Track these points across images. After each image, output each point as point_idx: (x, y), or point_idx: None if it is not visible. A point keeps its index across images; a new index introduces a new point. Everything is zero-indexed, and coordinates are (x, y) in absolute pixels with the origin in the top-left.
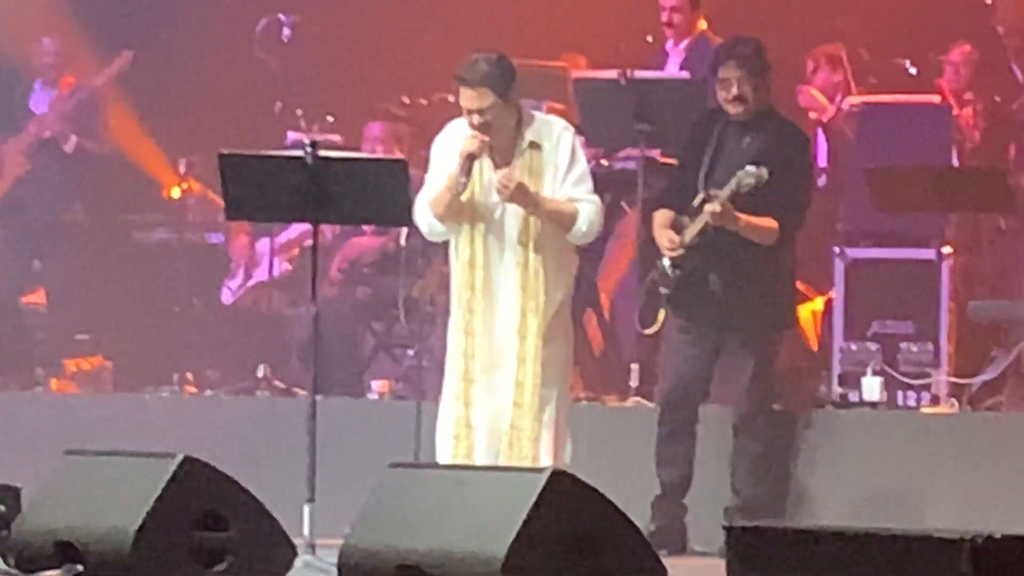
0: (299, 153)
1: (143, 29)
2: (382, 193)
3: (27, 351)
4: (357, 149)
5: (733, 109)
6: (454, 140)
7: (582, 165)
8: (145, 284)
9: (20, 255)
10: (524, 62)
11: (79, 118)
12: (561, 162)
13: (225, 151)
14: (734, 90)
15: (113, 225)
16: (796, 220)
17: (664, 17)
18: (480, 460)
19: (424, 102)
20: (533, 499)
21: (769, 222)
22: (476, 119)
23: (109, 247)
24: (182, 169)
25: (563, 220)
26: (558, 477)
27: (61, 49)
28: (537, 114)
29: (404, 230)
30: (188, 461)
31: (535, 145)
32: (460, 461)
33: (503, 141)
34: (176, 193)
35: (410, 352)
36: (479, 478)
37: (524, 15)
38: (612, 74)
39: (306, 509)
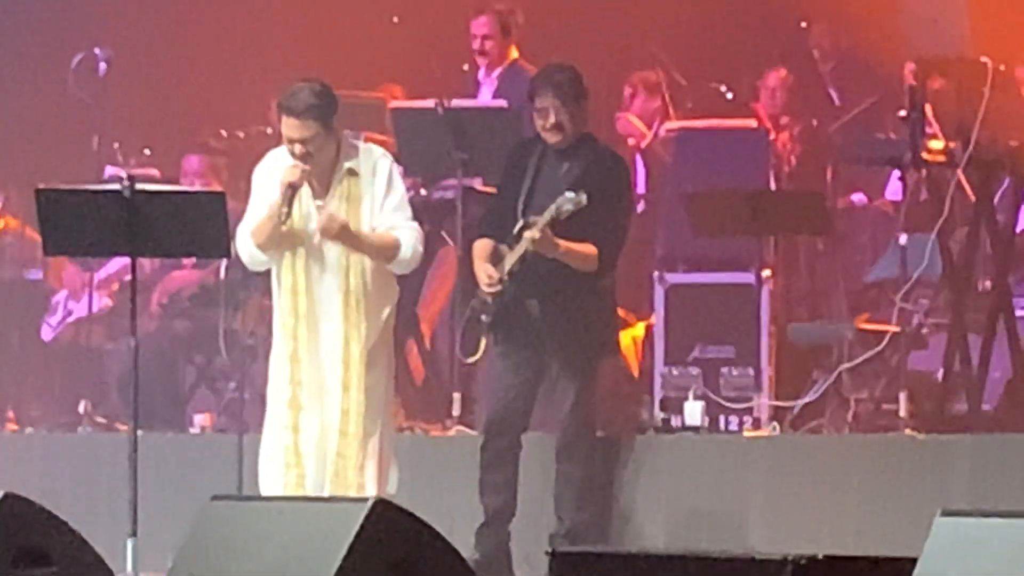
0: (116, 187)
1: None
2: (200, 226)
3: None
4: (175, 182)
5: (551, 137)
6: (275, 169)
7: (400, 192)
8: None
9: None
10: (342, 93)
11: None
12: (379, 190)
13: (41, 186)
14: (552, 118)
15: None
16: (615, 246)
17: (476, 45)
18: (310, 488)
19: (241, 135)
20: (356, 529)
21: (588, 248)
22: (298, 149)
23: None
24: None
25: (385, 253)
26: (380, 506)
27: None
28: (357, 143)
29: (223, 263)
30: (8, 497)
31: (352, 172)
32: (291, 490)
33: (322, 169)
34: None
35: (231, 385)
36: (301, 509)
37: (341, 46)
38: (429, 103)
39: (129, 543)
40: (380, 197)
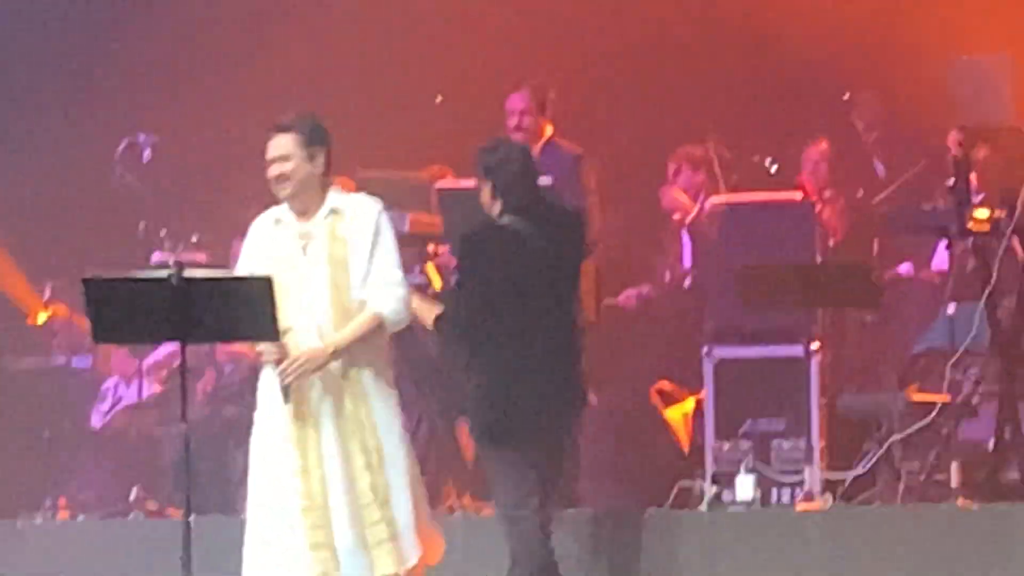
0: (163, 274)
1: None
2: (248, 310)
3: None
4: (225, 266)
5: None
6: (262, 227)
7: (387, 241)
8: (13, 411)
9: None
10: (389, 172)
11: None
12: (364, 235)
13: (88, 275)
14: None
15: None
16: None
17: (513, 122)
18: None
19: None
20: None
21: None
22: (275, 169)
23: None
24: (46, 294)
25: (372, 334)
26: None
27: None
28: (349, 194)
29: None
30: None
31: (336, 212)
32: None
33: (304, 198)
34: (41, 319)
35: None
36: None
37: (385, 127)
38: (474, 183)
39: None
40: (367, 243)
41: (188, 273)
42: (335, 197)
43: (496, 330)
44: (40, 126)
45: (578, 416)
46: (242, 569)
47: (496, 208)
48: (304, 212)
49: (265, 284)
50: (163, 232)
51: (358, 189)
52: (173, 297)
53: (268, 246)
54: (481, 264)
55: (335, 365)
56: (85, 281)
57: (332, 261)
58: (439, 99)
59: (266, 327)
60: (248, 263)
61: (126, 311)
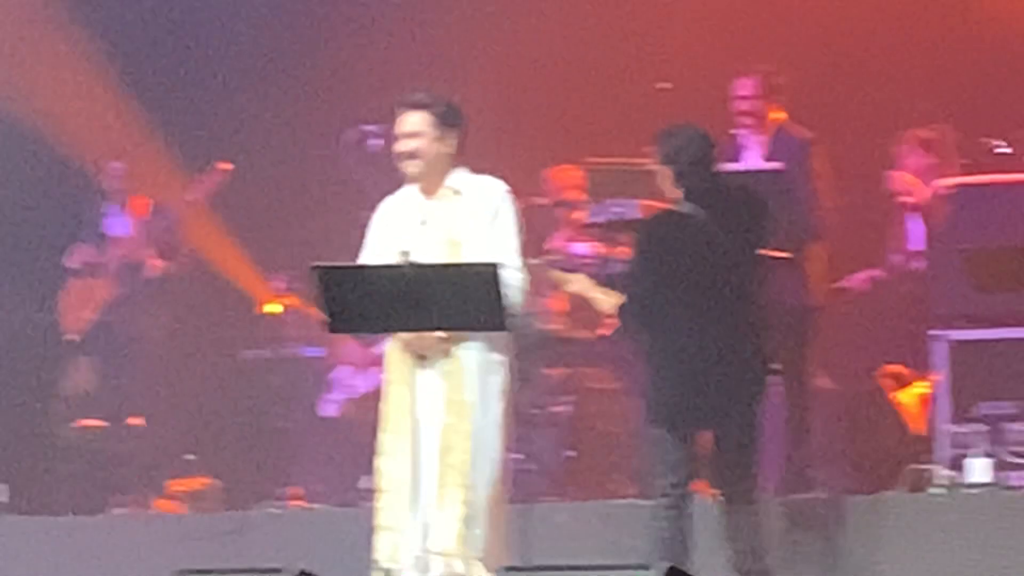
0: (396, 262)
1: (227, 143)
2: (478, 298)
3: (133, 472)
4: None
5: None
6: (388, 210)
7: (508, 226)
8: (246, 401)
9: (115, 378)
10: (616, 160)
11: (160, 239)
12: (484, 217)
13: (320, 264)
14: None
15: (207, 343)
16: None
17: (739, 107)
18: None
19: (520, 205)
20: None
21: None
22: (405, 144)
23: (206, 365)
24: (278, 285)
25: None
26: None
27: (129, 171)
28: (476, 175)
29: None
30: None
31: (458, 192)
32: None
33: (434, 180)
34: (272, 308)
35: (514, 456)
36: None
37: (614, 115)
38: (728, 167)
39: None
40: (485, 225)
41: (418, 260)
42: (459, 177)
43: (674, 315)
44: (271, 119)
45: (758, 402)
46: None
47: (676, 194)
48: (430, 191)
49: (492, 271)
50: None
51: (586, 177)
52: (405, 286)
53: (391, 225)
54: (659, 251)
55: (440, 344)
56: (317, 270)
57: (449, 242)
58: (664, 85)
59: (495, 315)
60: (372, 243)
61: (359, 300)
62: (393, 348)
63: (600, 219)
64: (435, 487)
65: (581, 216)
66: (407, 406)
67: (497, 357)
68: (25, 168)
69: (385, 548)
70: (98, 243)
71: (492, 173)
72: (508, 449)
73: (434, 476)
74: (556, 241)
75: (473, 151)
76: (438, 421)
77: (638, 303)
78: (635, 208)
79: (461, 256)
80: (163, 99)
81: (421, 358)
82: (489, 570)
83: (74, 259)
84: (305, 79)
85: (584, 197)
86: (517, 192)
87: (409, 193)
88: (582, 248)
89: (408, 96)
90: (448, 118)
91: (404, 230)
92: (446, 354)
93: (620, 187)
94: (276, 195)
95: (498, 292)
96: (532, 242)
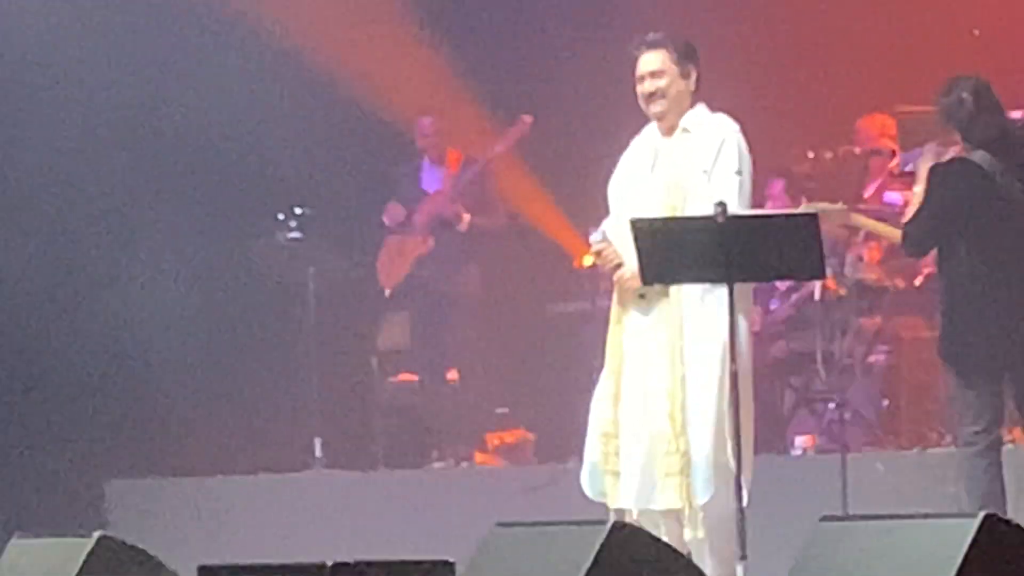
0: (710, 213)
1: (536, 95)
2: (795, 248)
3: (450, 427)
4: (761, 206)
5: None
6: (634, 145)
7: (730, 168)
8: (560, 353)
9: (430, 333)
10: (928, 108)
11: (471, 193)
12: (706, 156)
13: (634, 218)
14: None
15: (520, 297)
16: None
17: None
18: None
19: (829, 155)
20: (965, 548)
21: None
22: (647, 85)
23: (519, 320)
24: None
25: None
26: (989, 521)
27: (440, 126)
28: (714, 114)
29: (818, 284)
30: (617, 527)
31: (687, 131)
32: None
33: (675, 119)
34: (587, 262)
35: (831, 406)
36: (909, 527)
37: (926, 62)
38: (1016, 115)
39: (739, 567)
40: (707, 165)
41: (732, 212)
42: (692, 116)
43: (960, 259)
44: (575, 67)
45: None
46: None
47: (962, 148)
48: (668, 131)
49: (811, 221)
50: None
51: (898, 125)
52: (719, 237)
53: (629, 163)
54: (947, 196)
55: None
56: (631, 223)
57: (671, 181)
58: (976, 32)
59: (813, 264)
60: (613, 181)
61: (674, 252)
62: (616, 291)
63: (912, 167)
64: (647, 433)
65: (893, 165)
66: (620, 348)
67: (716, 299)
68: (343, 128)
69: (610, 491)
70: (411, 199)
71: (803, 123)
72: (754, 399)
73: (647, 421)
74: (869, 190)
75: (785, 101)
76: (652, 363)
77: (920, 241)
78: (947, 156)
79: (683, 197)
80: (470, 54)
81: (641, 297)
82: (711, 517)
83: (389, 215)
84: (588, 31)
85: (895, 146)
86: (830, 142)
87: (650, 132)
88: (895, 196)
89: (645, 37)
90: (687, 55)
91: (637, 170)
92: (665, 295)
93: (931, 135)
94: (587, 153)
95: (816, 241)
96: (847, 191)
